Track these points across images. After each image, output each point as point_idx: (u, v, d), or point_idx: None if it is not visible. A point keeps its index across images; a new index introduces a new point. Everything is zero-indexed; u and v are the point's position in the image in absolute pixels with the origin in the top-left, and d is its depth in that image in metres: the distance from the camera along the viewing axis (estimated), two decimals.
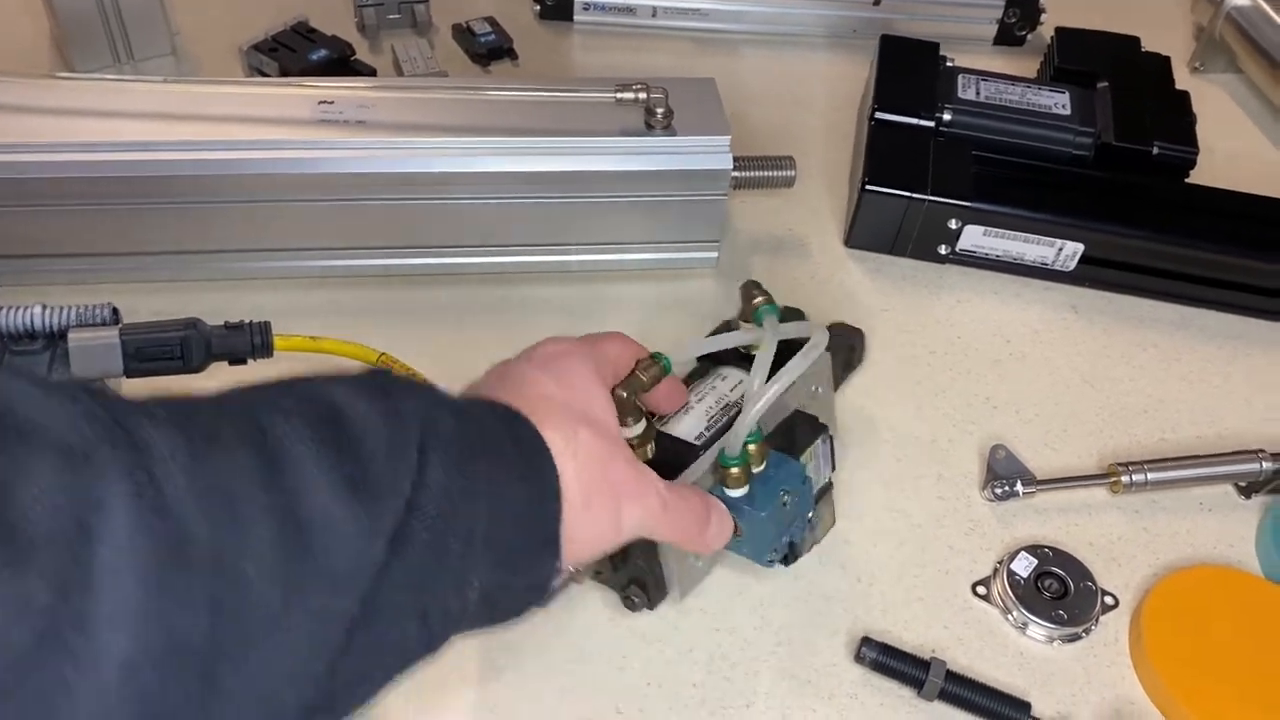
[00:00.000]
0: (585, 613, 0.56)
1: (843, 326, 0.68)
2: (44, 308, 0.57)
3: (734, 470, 0.50)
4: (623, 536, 0.44)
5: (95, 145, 0.63)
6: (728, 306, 0.72)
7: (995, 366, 0.71)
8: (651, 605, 0.53)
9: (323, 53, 0.83)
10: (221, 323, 0.58)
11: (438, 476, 0.36)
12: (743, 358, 0.57)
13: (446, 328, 0.68)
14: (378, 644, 0.35)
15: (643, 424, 0.49)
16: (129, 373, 0.56)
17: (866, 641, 0.55)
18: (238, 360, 0.58)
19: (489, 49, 0.88)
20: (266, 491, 0.32)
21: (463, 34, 0.90)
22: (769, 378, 0.50)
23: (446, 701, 0.53)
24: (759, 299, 0.55)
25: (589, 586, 0.56)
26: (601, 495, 0.42)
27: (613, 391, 0.47)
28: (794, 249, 0.77)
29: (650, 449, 0.50)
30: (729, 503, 0.50)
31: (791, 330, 0.54)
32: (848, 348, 0.67)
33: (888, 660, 0.55)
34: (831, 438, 0.57)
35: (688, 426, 0.54)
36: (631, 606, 0.53)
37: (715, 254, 0.73)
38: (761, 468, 0.52)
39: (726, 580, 0.58)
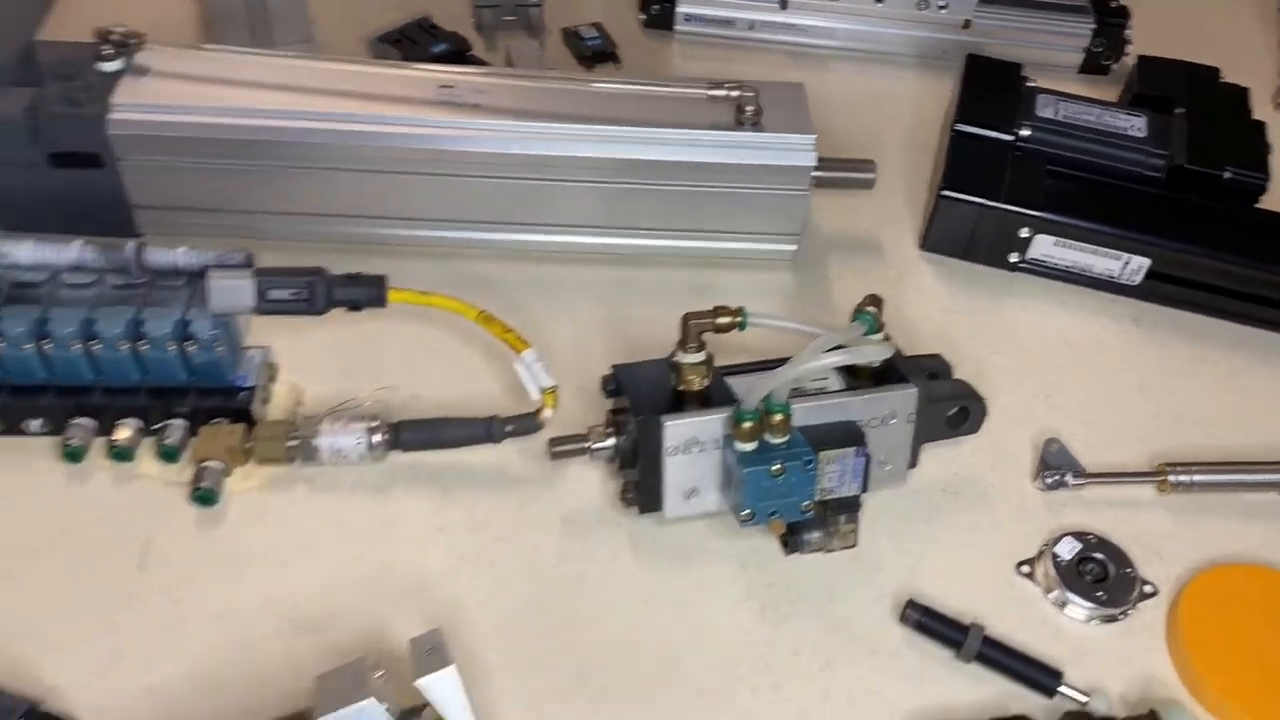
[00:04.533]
0: (636, 558, 0.61)
1: (965, 387, 0.66)
2: (187, 249, 0.64)
3: (743, 425, 0.56)
4: None
5: (237, 110, 0.70)
6: (801, 297, 0.77)
7: (1055, 370, 0.74)
8: (641, 510, 0.61)
9: (442, 46, 0.90)
10: (343, 273, 0.64)
11: None
12: (850, 371, 0.62)
13: (539, 302, 0.74)
14: None
15: (703, 355, 0.57)
16: (259, 310, 0.63)
17: (911, 604, 0.59)
18: (355, 307, 0.64)
19: (594, 52, 0.94)
20: None
21: (571, 37, 0.96)
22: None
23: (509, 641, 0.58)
24: (868, 307, 0.60)
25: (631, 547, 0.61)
26: None
27: (685, 318, 0.56)
28: (870, 249, 0.81)
29: (703, 381, 0.58)
30: (733, 454, 0.57)
31: (862, 346, 0.58)
32: (961, 409, 0.65)
33: (929, 622, 0.58)
34: (868, 457, 0.59)
35: (745, 387, 0.59)
36: (626, 501, 0.62)
37: (794, 246, 0.77)
38: (781, 439, 0.57)
39: (773, 562, 0.62)
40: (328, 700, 0.45)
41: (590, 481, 0.64)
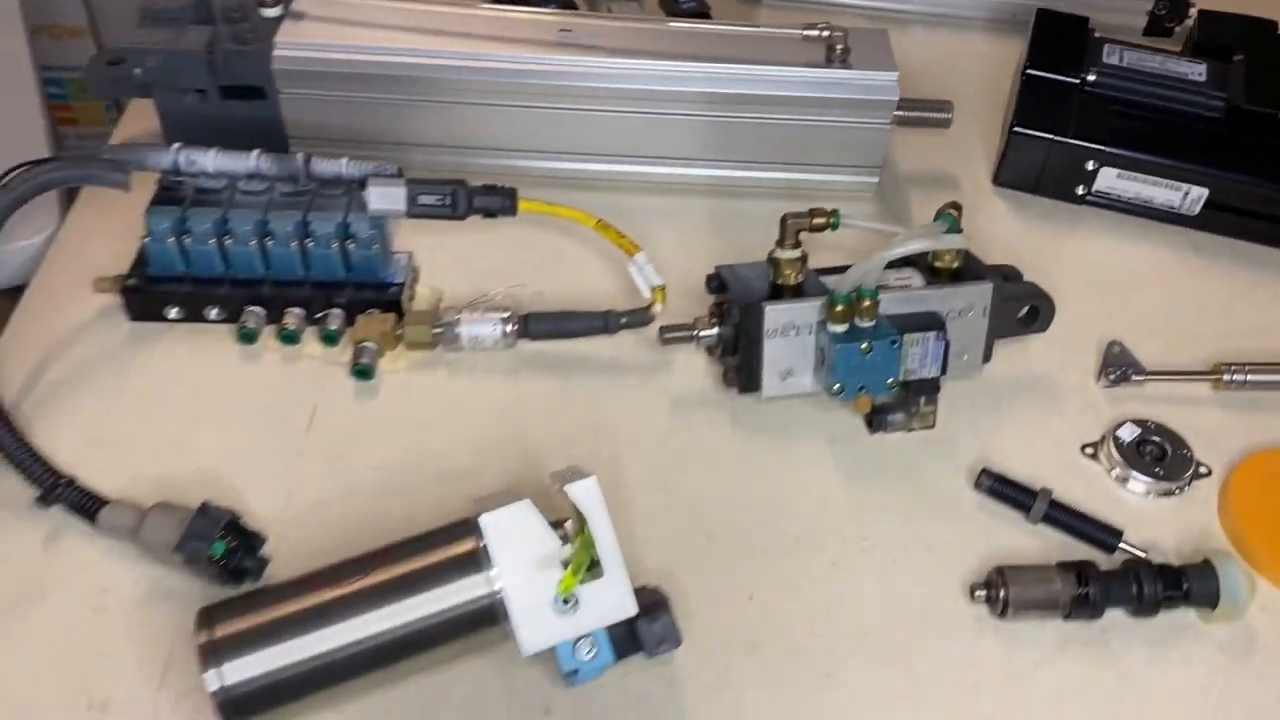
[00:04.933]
0: (735, 432, 0.69)
1: (1035, 288, 0.73)
2: (349, 159, 0.73)
3: (836, 308, 0.64)
4: None
5: (383, 49, 0.79)
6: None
7: (1118, 291, 0.80)
8: (740, 390, 0.68)
9: (552, 5, 0.99)
10: (480, 184, 0.73)
11: None
12: (931, 272, 0.69)
13: (645, 224, 0.81)
14: None
15: (799, 252, 0.64)
16: (409, 214, 0.71)
17: (985, 471, 0.66)
18: (489, 214, 0.73)
19: (689, 13, 1.03)
20: None
21: (668, 0, 1.05)
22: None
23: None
24: (949, 209, 0.68)
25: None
26: None
27: (784, 218, 0.63)
28: (946, 183, 0.88)
29: (798, 276, 0.66)
30: (827, 335, 0.64)
31: (943, 237, 0.67)
32: (1032, 308, 0.73)
33: (1001, 488, 0.65)
34: (947, 342, 0.66)
35: (836, 280, 0.67)
36: (727, 382, 0.70)
37: (876, 179, 0.85)
38: (869, 323, 0.64)
39: (859, 438, 0.69)
40: (491, 504, 0.53)
41: (694, 369, 0.72)
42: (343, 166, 0.72)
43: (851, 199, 0.85)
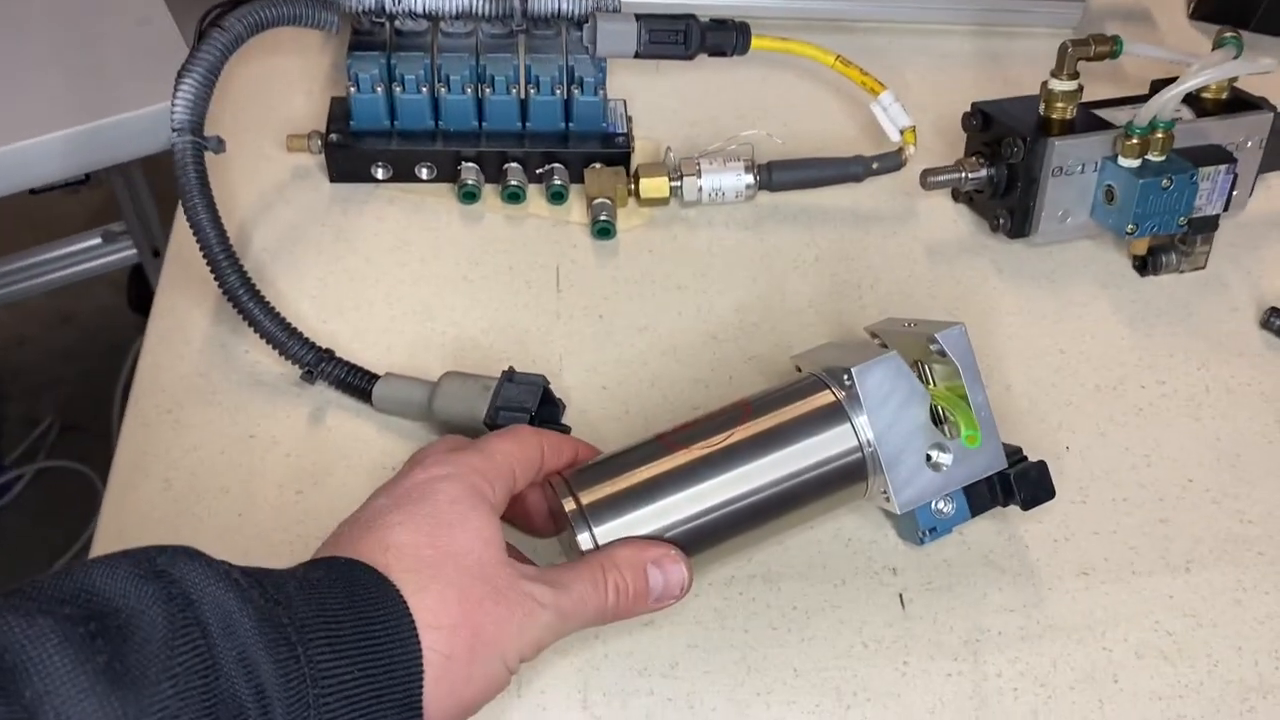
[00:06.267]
0: (1003, 280, 0.65)
1: None
2: None
3: (1131, 140, 0.60)
4: (520, 662, 0.41)
5: None
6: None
7: None
8: (1011, 235, 0.65)
9: None
10: (711, 19, 0.67)
11: (232, 659, 0.34)
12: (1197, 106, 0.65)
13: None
14: None
15: (1076, 83, 0.62)
16: (638, 54, 0.65)
17: (1274, 310, 0.63)
18: (719, 53, 0.67)
19: None
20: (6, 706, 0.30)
21: None
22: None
23: None
24: (1230, 34, 0.63)
25: None
26: (475, 643, 0.39)
27: (1063, 46, 0.60)
28: (1140, 18, 0.84)
29: (1071, 110, 0.62)
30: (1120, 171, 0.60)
31: (1252, 62, 0.63)
32: None
33: None
34: (1235, 176, 0.63)
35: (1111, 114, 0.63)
36: (995, 227, 0.66)
37: (1079, 12, 0.80)
38: (1161, 158, 0.61)
39: (1129, 281, 0.66)
40: (845, 358, 0.49)
41: (942, 216, 0.68)
42: (563, 2, 0.66)
43: (1054, 36, 0.80)
